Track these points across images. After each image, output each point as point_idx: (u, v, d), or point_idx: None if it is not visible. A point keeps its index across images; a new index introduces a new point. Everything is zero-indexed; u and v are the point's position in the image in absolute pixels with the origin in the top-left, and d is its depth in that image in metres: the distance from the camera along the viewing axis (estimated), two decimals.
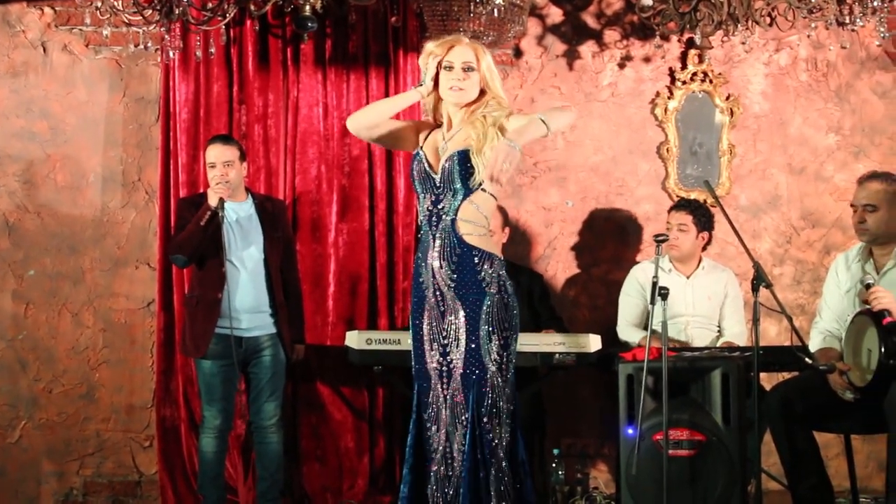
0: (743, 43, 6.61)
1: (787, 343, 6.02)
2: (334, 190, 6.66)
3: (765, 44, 7.02)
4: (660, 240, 5.60)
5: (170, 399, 6.56)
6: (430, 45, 4.62)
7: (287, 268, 6.17)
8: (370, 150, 6.65)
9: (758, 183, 7.06)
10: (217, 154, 5.96)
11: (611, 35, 7.01)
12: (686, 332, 6.37)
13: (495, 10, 6.02)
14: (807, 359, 5.37)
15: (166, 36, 6.20)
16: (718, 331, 6.45)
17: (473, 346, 4.48)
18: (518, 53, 6.97)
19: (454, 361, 4.52)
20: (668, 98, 6.99)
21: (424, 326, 4.63)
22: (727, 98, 7.01)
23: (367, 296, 6.69)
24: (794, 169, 7.08)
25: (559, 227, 6.98)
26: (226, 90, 6.62)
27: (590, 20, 7.01)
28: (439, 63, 4.57)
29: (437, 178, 4.56)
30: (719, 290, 6.45)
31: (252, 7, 6.19)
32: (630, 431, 5.52)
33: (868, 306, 5.22)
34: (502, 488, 4.46)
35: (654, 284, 5.38)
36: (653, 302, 5.38)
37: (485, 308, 4.49)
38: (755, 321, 5.21)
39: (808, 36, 6.70)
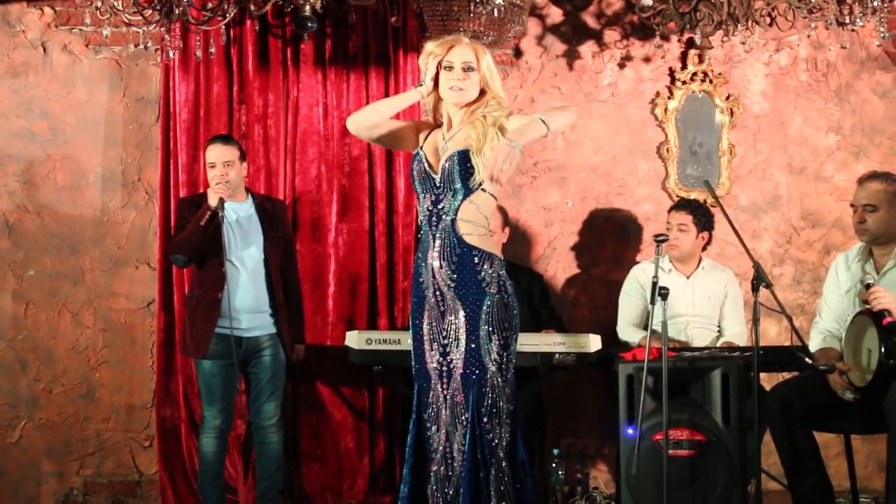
0: (743, 43, 6.61)
1: (787, 343, 6.02)
2: (334, 190, 6.67)
3: (765, 44, 7.02)
4: (660, 240, 5.60)
5: (170, 399, 6.57)
6: (430, 45, 4.62)
7: (287, 268, 6.17)
8: (370, 150, 6.66)
9: (758, 183, 7.07)
10: (217, 154, 5.96)
11: (611, 35, 7.01)
12: (686, 332, 6.37)
13: (495, 10, 6.02)
14: (807, 359, 5.38)
15: (166, 36, 6.21)
16: (718, 331, 6.46)
17: (473, 346, 4.48)
18: (518, 53, 6.98)
19: (454, 361, 4.52)
20: (668, 98, 7.00)
21: (424, 326, 4.63)
22: (727, 98, 7.02)
23: (367, 296, 6.69)
24: (794, 169, 7.09)
25: (559, 227, 6.99)
26: (226, 90, 6.62)
27: (590, 20, 7.01)
28: (439, 63, 4.58)
29: (437, 178, 4.56)
30: (719, 290, 6.45)
31: (252, 7, 6.20)
32: (630, 431, 5.52)
33: (868, 306, 5.22)
34: (502, 488, 4.46)
35: (654, 284, 5.38)
36: (653, 302, 5.38)
37: (485, 308, 4.49)
38: (755, 321, 5.22)
39: (808, 36, 6.71)
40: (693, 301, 6.40)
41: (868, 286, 5.25)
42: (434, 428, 4.61)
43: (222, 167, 5.93)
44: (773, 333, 6.91)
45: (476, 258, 4.51)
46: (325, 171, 6.67)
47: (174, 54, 6.47)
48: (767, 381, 6.24)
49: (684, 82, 6.99)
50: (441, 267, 4.53)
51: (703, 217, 6.39)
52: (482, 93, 4.58)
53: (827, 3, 6.00)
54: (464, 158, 4.48)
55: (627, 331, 6.46)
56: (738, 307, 6.47)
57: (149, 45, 6.66)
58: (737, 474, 5.46)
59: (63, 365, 6.72)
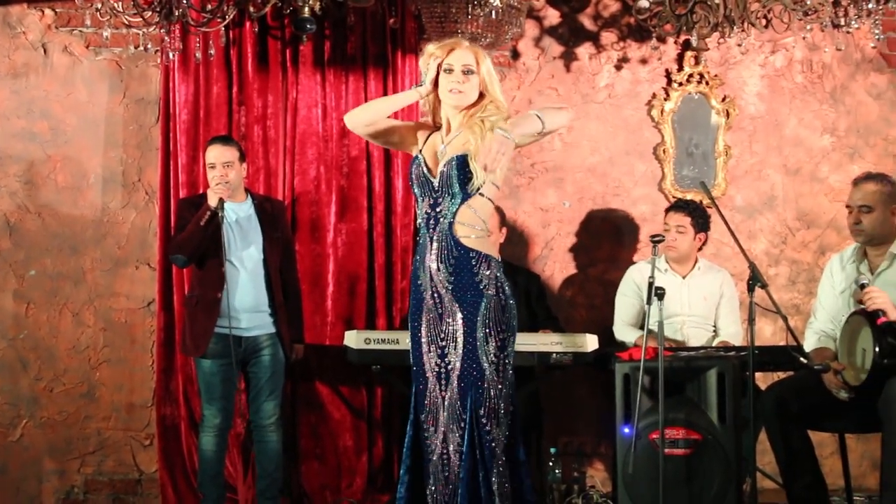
0: (739, 45, 6.63)
1: (783, 343, 6.05)
2: (333, 191, 6.69)
3: (760, 46, 7.05)
4: (656, 240, 5.65)
5: (170, 398, 6.58)
6: (430, 47, 4.64)
7: (286, 268, 6.19)
8: (369, 151, 6.68)
9: (753, 184, 7.10)
10: (217, 155, 5.98)
11: (608, 37, 7.04)
12: (682, 331, 6.39)
13: (493, 12, 6.04)
14: (802, 358, 5.41)
15: (166, 37, 6.20)
16: (714, 330, 6.47)
17: (471, 347, 4.48)
18: (515, 55, 7.00)
19: (452, 363, 4.52)
20: (665, 99, 7.02)
21: (422, 328, 4.63)
22: (723, 99, 7.04)
23: (365, 296, 6.70)
24: (789, 170, 7.12)
25: (556, 227, 7.01)
26: (225, 91, 6.64)
27: (587, 22, 7.04)
28: (439, 65, 4.59)
29: (436, 182, 4.57)
30: (715, 290, 6.47)
31: (251, 9, 6.21)
32: (626, 430, 5.55)
33: (863, 306, 5.25)
34: (501, 489, 4.46)
35: (651, 284, 5.42)
36: (649, 302, 5.41)
37: (482, 310, 4.50)
38: (751, 321, 5.25)
39: (804, 38, 6.76)
40: (689, 301, 6.42)
41: (863, 286, 5.26)
42: (432, 429, 4.60)
43: (222, 168, 5.95)
44: (769, 333, 6.94)
45: (473, 260, 4.52)
46: (323, 171, 6.69)
47: (174, 56, 6.48)
48: (763, 380, 6.27)
49: (680, 84, 7.02)
50: (439, 269, 4.53)
51: (700, 218, 6.41)
52: (481, 96, 4.59)
53: (822, 6, 6.02)
54: (462, 163, 4.48)
55: (624, 330, 6.47)
56: (734, 307, 6.50)
57: (149, 46, 6.69)
58: (732, 473, 5.49)
59: (64, 364, 6.74)
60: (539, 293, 6.64)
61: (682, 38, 6.88)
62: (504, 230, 6.54)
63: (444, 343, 4.56)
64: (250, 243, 6.03)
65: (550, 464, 6.39)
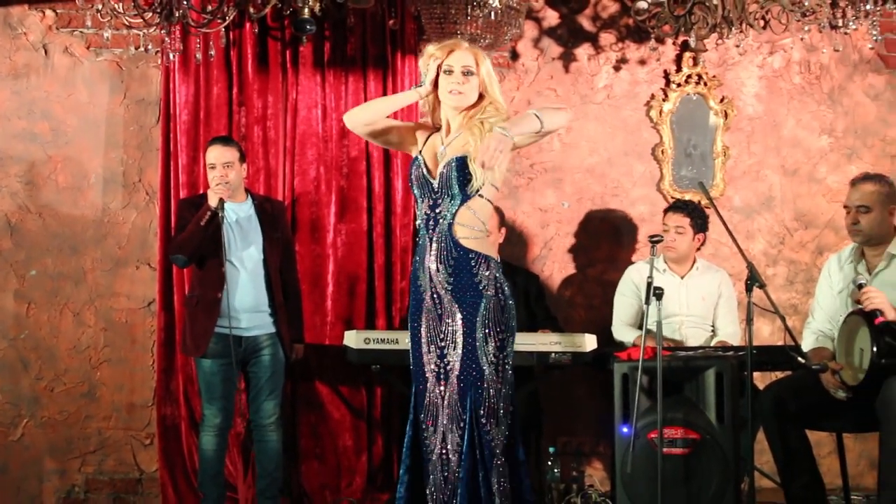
0: (737, 46, 6.63)
1: (781, 343, 6.09)
2: (333, 191, 6.70)
3: (759, 47, 7.06)
4: (655, 240, 5.67)
5: (170, 398, 6.59)
6: (430, 48, 4.65)
7: (286, 268, 6.20)
8: (368, 151, 6.69)
9: (751, 184, 7.11)
10: (217, 155, 5.99)
11: (606, 38, 7.05)
12: (680, 331, 6.41)
13: (492, 13, 6.05)
14: (800, 358, 5.43)
15: (166, 38, 6.19)
16: (712, 330, 6.48)
17: (470, 348, 4.50)
18: (514, 56, 7.01)
19: (451, 363, 4.54)
20: (663, 100, 7.04)
21: (422, 329, 4.64)
22: (721, 100, 7.05)
23: (365, 296, 6.71)
24: (787, 170, 7.13)
25: (555, 227, 7.03)
26: (225, 92, 6.65)
27: (585, 23, 7.05)
28: (439, 66, 4.61)
29: (435, 183, 4.58)
30: (713, 290, 6.48)
31: (251, 10, 6.21)
32: (625, 430, 5.57)
33: (860, 306, 5.26)
34: (501, 489, 4.48)
35: (649, 284, 5.43)
36: (647, 302, 5.43)
37: (481, 310, 4.51)
38: (749, 321, 5.27)
39: (802, 39, 6.76)
40: (687, 301, 6.44)
41: (860, 286, 5.28)
42: (431, 429, 4.61)
43: (222, 168, 5.96)
44: (767, 333, 6.96)
45: (472, 261, 4.53)
46: (323, 172, 6.70)
47: (174, 56, 6.48)
48: (761, 380, 6.28)
49: (679, 85, 7.03)
50: (438, 270, 4.55)
51: (699, 219, 6.42)
52: (481, 97, 4.61)
53: (820, 7, 6.02)
54: (462, 165, 4.50)
55: (622, 330, 6.49)
56: (732, 307, 6.51)
57: (149, 47, 6.69)
58: (730, 472, 5.51)
59: (64, 364, 6.75)
60: (538, 293, 6.66)
61: (681, 39, 6.90)
62: (503, 230, 6.56)
63: (443, 343, 4.57)
64: (250, 243, 6.04)
65: (549, 463, 6.41)
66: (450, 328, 4.55)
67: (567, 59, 7.03)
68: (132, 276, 6.79)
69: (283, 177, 6.68)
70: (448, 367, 4.55)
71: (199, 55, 6.45)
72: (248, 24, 6.57)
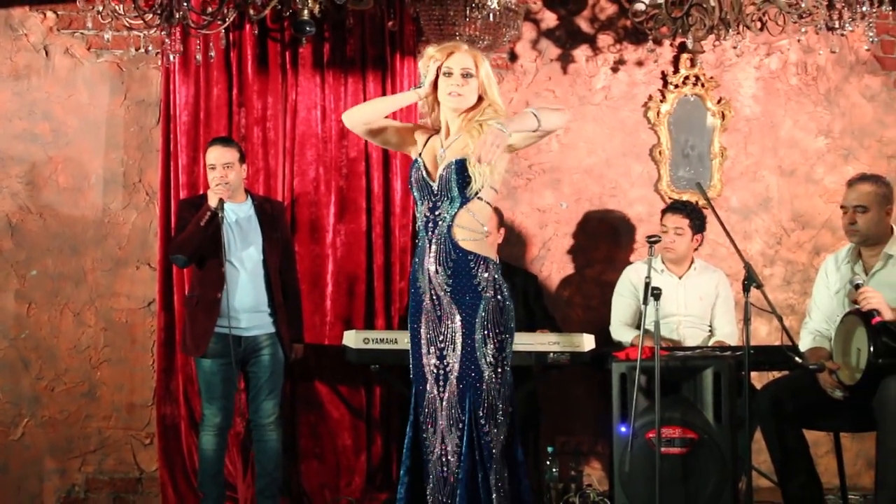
0: (734, 47, 6.67)
1: (778, 343, 6.09)
2: (332, 192, 6.71)
3: (756, 48, 7.08)
4: (652, 241, 5.68)
5: (170, 397, 6.60)
6: (430, 50, 4.67)
7: (286, 268, 6.22)
8: (367, 152, 6.70)
9: (749, 185, 7.13)
10: (217, 156, 6.01)
11: (604, 39, 7.07)
12: (678, 331, 6.42)
13: (491, 15, 6.08)
14: (797, 358, 5.44)
15: (167, 40, 6.18)
16: (710, 330, 6.50)
17: (469, 349, 4.52)
18: (513, 57, 7.02)
19: (451, 365, 4.55)
20: (661, 101, 7.06)
21: (422, 330, 4.66)
22: (719, 101, 7.07)
23: (364, 296, 6.73)
24: (784, 171, 7.15)
25: (553, 228, 7.04)
26: (225, 93, 6.66)
27: (583, 25, 7.07)
28: (439, 68, 4.62)
29: (435, 185, 4.60)
30: (711, 290, 6.50)
31: (251, 11, 6.21)
32: (623, 429, 5.58)
33: (857, 306, 5.28)
34: (500, 489, 4.50)
35: (647, 285, 5.45)
36: (645, 302, 5.44)
37: (480, 311, 4.53)
38: (746, 321, 5.27)
39: (799, 40, 6.76)
40: (685, 301, 6.45)
41: (857, 286, 5.30)
42: (431, 430, 4.62)
43: (222, 169, 5.98)
44: (764, 333, 6.98)
45: (472, 263, 4.55)
46: (323, 172, 6.71)
47: (174, 58, 6.48)
48: (758, 380, 6.29)
49: (676, 86, 7.05)
50: (437, 272, 4.57)
51: (697, 220, 6.44)
52: (480, 99, 4.63)
53: (816, 9, 6.03)
54: (461, 168, 4.52)
55: (620, 330, 6.51)
56: (730, 307, 6.52)
57: (149, 48, 6.69)
58: (728, 472, 5.52)
59: (65, 364, 6.76)
60: (536, 293, 6.67)
61: (678, 40, 6.91)
62: (502, 231, 6.57)
63: (442, 345, 4.59)
64: (250, 244, 6.06)
65: (548, 463, 6.42)
66: (449, 330, 4.57)
67: (565, 60, 7.04)
68: (132, 277, 6.80)
69: (283, 177, 6.69)
70: (447, 369, 4.57)
71: (199, 56, 6.44)
72: (247, 26, 6.58)
